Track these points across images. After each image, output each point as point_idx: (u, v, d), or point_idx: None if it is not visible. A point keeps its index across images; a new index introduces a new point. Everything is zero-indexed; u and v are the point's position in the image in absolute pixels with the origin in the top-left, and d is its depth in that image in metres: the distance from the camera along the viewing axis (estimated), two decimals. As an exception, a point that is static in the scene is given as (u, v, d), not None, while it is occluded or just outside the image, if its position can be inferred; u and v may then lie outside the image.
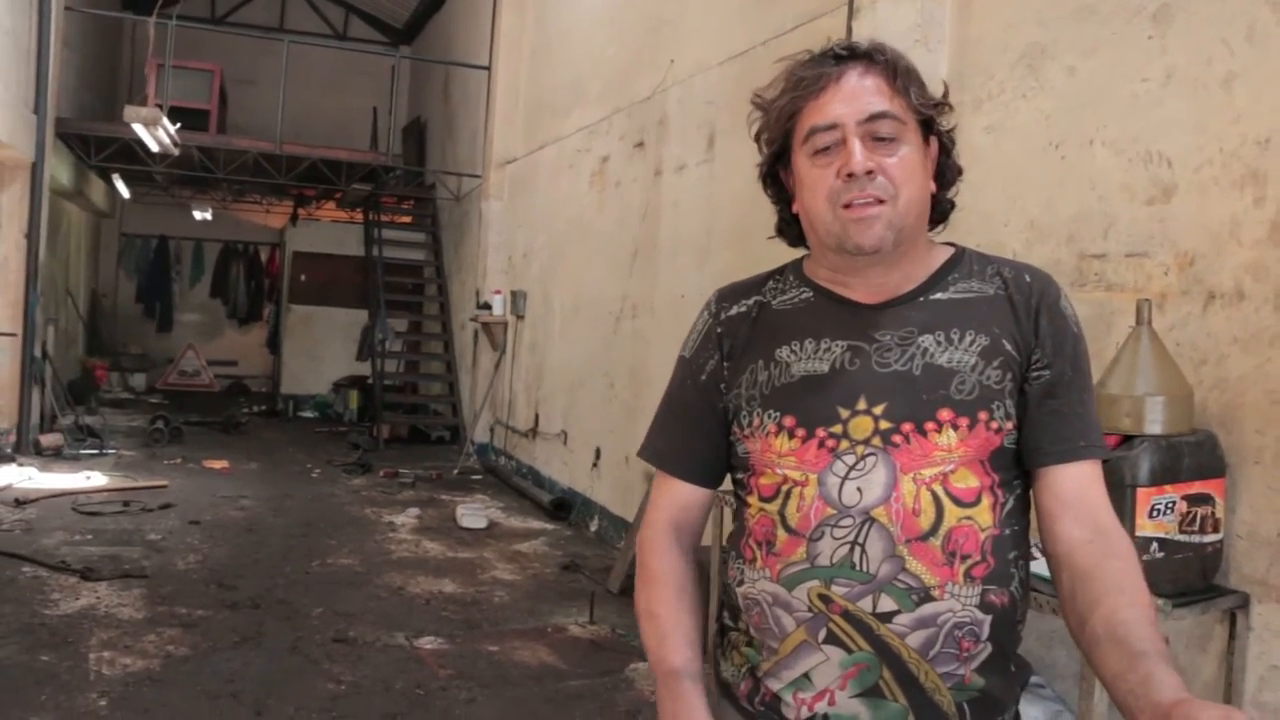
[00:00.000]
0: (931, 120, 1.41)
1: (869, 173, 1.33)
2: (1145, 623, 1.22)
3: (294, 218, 15.89)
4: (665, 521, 1.52)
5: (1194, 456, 2.71)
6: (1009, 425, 1.36)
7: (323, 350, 14.99)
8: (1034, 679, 3.08)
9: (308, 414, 14.18)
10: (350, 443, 11.52)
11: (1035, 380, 1.38)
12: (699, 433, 1.51)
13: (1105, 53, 3.26)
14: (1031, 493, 1.41)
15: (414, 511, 8.03)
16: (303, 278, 15.16)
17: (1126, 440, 2.69)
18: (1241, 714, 1.00)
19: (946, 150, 1.45)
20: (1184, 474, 2.69)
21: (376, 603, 5.54)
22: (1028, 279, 1.42)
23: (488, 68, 11.04)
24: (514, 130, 10.71)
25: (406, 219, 14.24)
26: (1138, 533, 2.63)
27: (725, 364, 1.48)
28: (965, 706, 1.34)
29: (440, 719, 4.02)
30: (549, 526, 7.78)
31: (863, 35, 4.19)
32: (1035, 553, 2.85)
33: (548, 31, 10.01)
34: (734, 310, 1.50)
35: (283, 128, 11.57)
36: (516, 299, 10.00)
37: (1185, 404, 2.76)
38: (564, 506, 8.11)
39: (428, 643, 4.90)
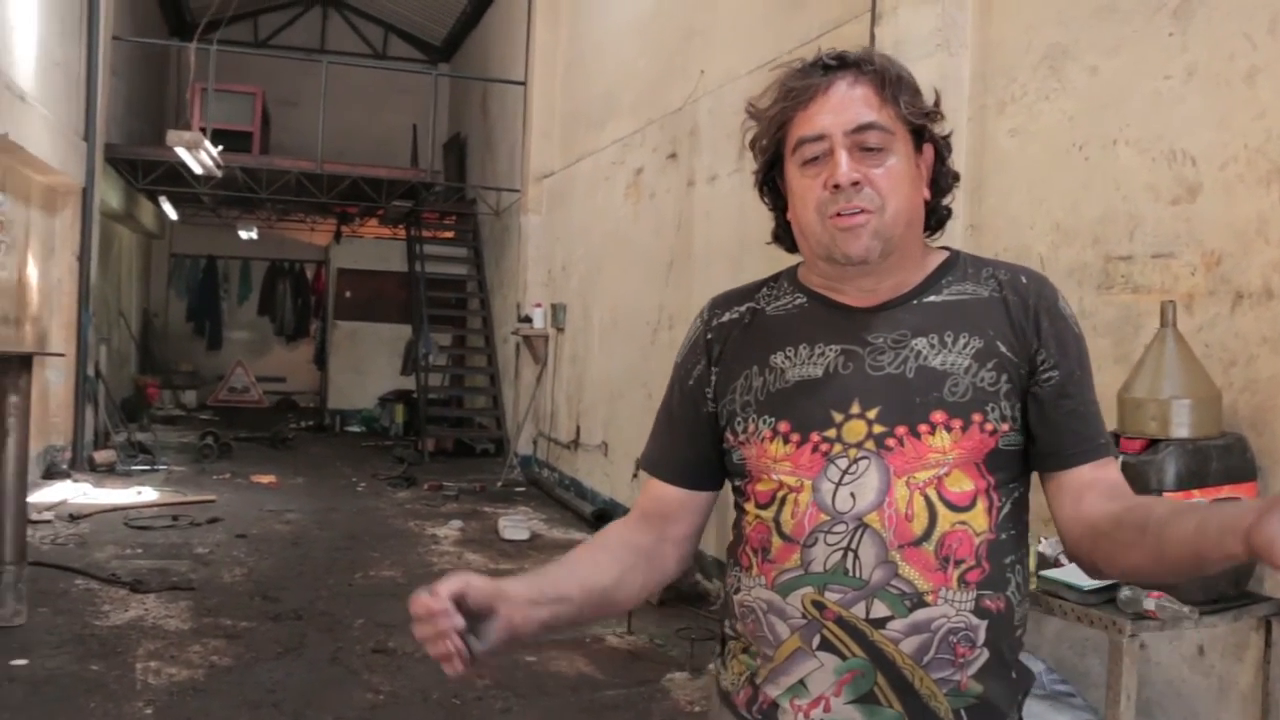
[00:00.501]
0: (924, 128, 1.41)
1: (855, 184, 1.34)
2: None
3: (338, 235, 16.13)
4: (635, 510, 1.57)
5: (1222, 460, 2.68)
6: (1004, 427, 1.35)
7: (368, 365, 15.18)
8: (1064, 687, 3.05)
9: (354, 428, 14.36)
10: (395, 456, 11.64)
11: (1046, 383, 1.37)
12: (681, 435, 1.53)
13: (1127, 51, 3.24)
14: (1048, 493, 1.41)
15: (457, 524, 8.10)
16: (348, 294, 15.38)
17: (1152, 444, 2.66)
18: None
19: (942, 157, 1.44)
20: (1212, 478, 2.65)
21: (417, 614, 5.59)
22: (1024, 280, 1.42)
23: (523, 83, 11.14)
24: (551, 144, 10.79)
25: (449, 234, 14.38)
26: (1164, 536, 2.60)
27: (714, 369, 1.49)
28: (963, 713, 1.33)
29: (476, 729, 4.07)
30: (589, 537, 7.80)
31: (886, 41, 4.20)
32: (1062, 559, 2.82)
33: (581, 45, 10.08)
34: (725, 317, 1.51)
35: (326, 147, 11.77)
36: (556, 312, 10.06)
37: (1213, 407, 2.72)
38: (605, 517, 8.12)
39: (466, 653, 4.93)
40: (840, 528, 1.32)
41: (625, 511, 6.79)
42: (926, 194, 1.43)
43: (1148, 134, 3.15)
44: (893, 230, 1.36)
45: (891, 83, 1.37)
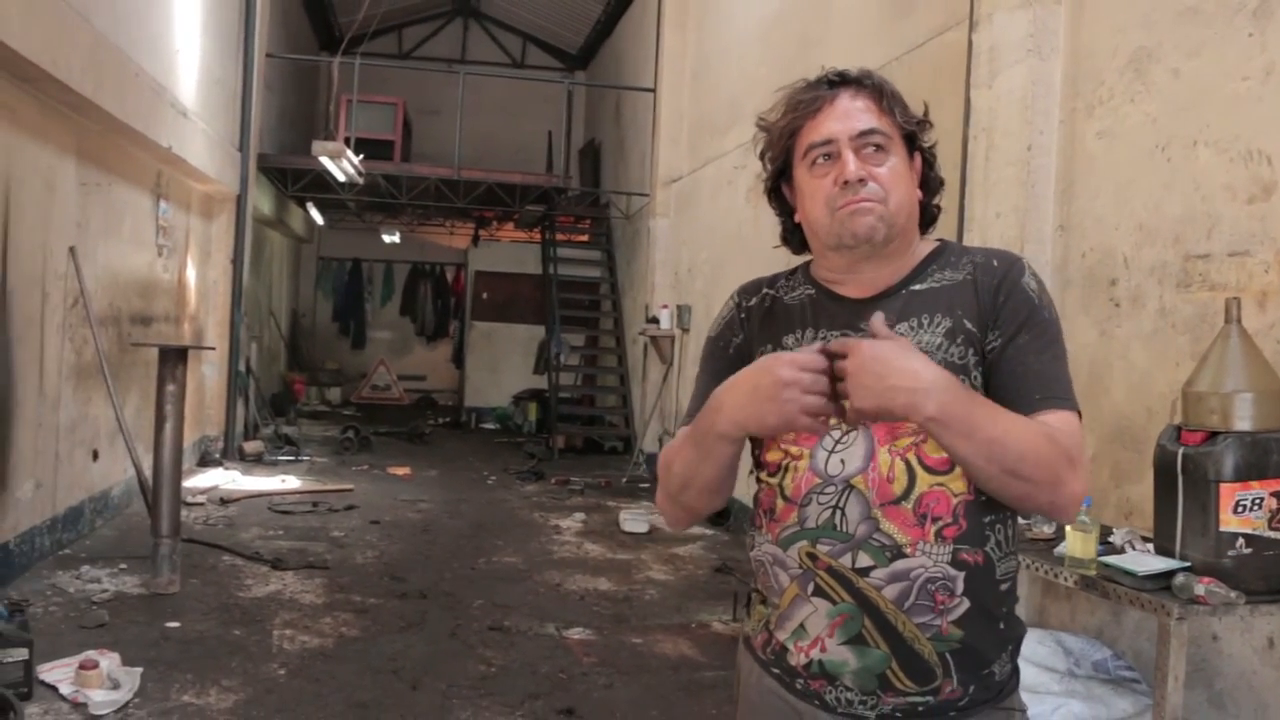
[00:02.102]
0: (914, 136, 1.60)
1: (862, 180, 1.53)
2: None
3: (476, 239, 16.70)
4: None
5: (1285, 453, 2.72)
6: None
7: (503, 365, 15.68)
8: (1129, 673, 3.12)
9: (489, 426, 14.86)
10: (526, 452, 12.04)
11: (990, 351, 1.53)
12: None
13: (1207, 53, 3.29)
14: None
15: (579, 516, 8.41)
16: (484, 296, 15.92)
17: (1211, 437, 2.73)
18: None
19: (929, 164, 1.63)
20: (1273, 470, 2.70)
21: (534, 597, 5.90)
22: (994, 263, 1.59)
23: (653, 90, 11.42)
24: (678, 149, 11.03)
25: (584, 238, 14.77)
26: (1221, 528, 2.67)
27: (748, 341, 1.68)
28: (948, 656, 1.50)
29: (578, 700, 4.31)
30: (708, 532, 8.01)
31: (982, 46, 4.29)
32: (1128, 547, 2.89)
33: (706, 53, 10.30)
34: (752, 301, 1.72)
35: (466, 154, 12.29)
36: (682, 313, 10.29)
37: (1276, 400, 2.77)
38: (723, 513, 8.28)
39: (576, 633, 5.21)
40: (831, 489, 1.52)
41: (744, 507, 6.92)
42: (919, 194, 1.61)
43: (1226, 134, 3.19)
44: (896, 218, 1.55)
45: (888, 96, 1.58)
